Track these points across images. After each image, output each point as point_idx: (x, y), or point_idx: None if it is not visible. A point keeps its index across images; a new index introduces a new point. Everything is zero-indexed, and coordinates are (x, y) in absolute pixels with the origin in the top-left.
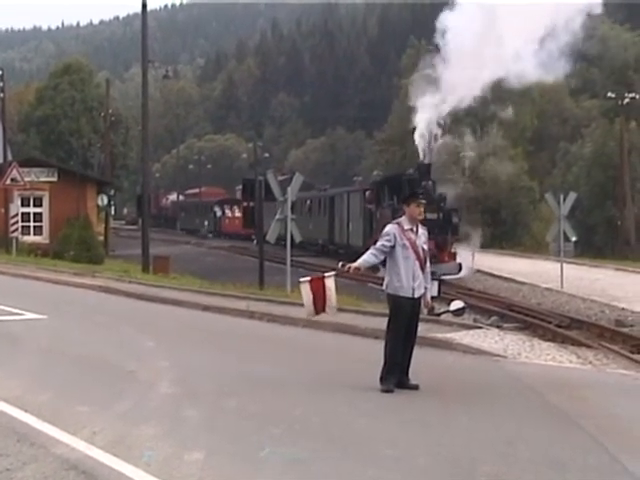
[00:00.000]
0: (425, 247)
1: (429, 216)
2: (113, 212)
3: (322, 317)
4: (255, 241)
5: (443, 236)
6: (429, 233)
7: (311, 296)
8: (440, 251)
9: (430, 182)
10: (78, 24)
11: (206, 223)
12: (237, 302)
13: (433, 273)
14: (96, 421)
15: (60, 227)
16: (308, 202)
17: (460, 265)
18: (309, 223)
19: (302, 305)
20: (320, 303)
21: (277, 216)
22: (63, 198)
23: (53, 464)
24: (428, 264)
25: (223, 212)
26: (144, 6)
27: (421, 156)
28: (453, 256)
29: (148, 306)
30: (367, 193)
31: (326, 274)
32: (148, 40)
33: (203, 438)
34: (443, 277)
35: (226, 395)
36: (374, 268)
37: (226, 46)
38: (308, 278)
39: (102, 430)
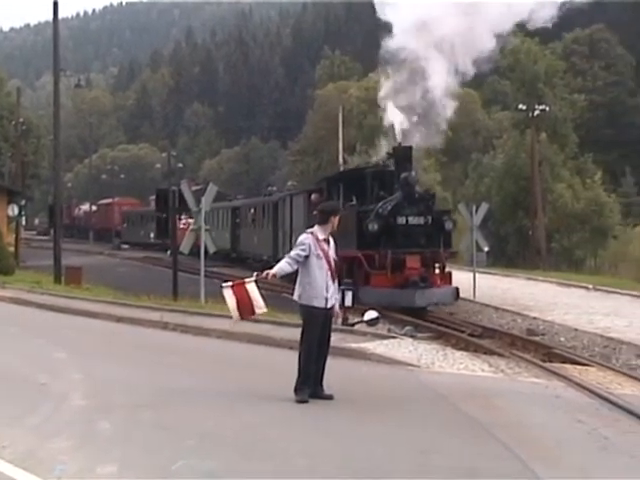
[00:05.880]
0: (335, 257)
1: (413, 221)
2: (24, 222)
3: (236, 328)
4: (169, 252)
5: (433, 250)
6: (413, 243)
7: (235, 301)
8: (429, 270)
9: (413, 173)
10: None
11: (152, 235)
12: (151, 313)
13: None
14: (5, 435)
15: None
16: (252, 211)
17: (457, 290)
18: (254, 236)
19: (216, 316)
20: (245, 307)
21: (191, 226)
22: None
23: None
24: (336, 275)
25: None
26: (55, 14)
27: (398, 137)
28: (448, 278)
29: (60, 318)
30: (313, 196)
31: (246, 279)
32: (60, 48)
33: (116, 451)
34: (433, 305)
35: (140, 407)
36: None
37: (140, 55)
38: (230, 283)
39: (12, 444)
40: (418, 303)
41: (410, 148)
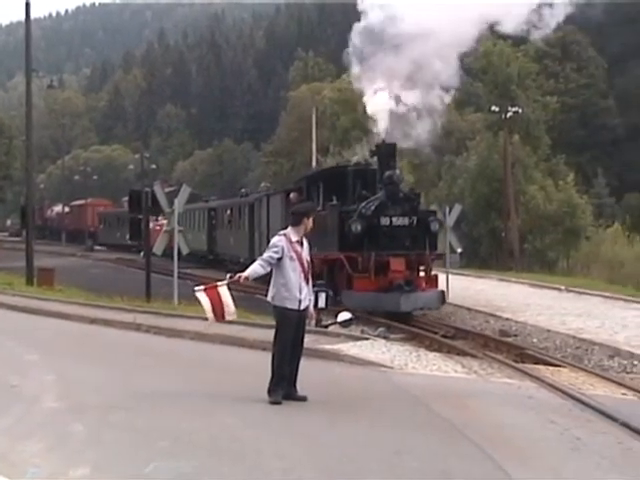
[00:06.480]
0: (308, 259)
1: (397, 222)
2: None
3: (209, 329)
4: (142, 253)
5: (418, 252)
6: (398, 245)
7: (209, 303)
8: (414, 273)
9: (397, 171)
10: None
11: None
12: (124, 315)
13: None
14: None
15: None
16: (228, 212)
17: (443, 294)
18: (230, 237)
19: (189, 318)
20: (218, 310)
21: (165, 228)
22: None
23: None
24: (310, 276)
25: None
26: (28, 14)
27: (382, 134)
28: (434, 281)
29: (32, 319)
30: (292, 195)
31: (218, 283)
32: (32, 49)
33: (89, 453)
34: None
35: (113, 409)
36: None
37: (112, 56)
38: (202, 287)
39: None
40: (403, 308)
41: (394, 145)
